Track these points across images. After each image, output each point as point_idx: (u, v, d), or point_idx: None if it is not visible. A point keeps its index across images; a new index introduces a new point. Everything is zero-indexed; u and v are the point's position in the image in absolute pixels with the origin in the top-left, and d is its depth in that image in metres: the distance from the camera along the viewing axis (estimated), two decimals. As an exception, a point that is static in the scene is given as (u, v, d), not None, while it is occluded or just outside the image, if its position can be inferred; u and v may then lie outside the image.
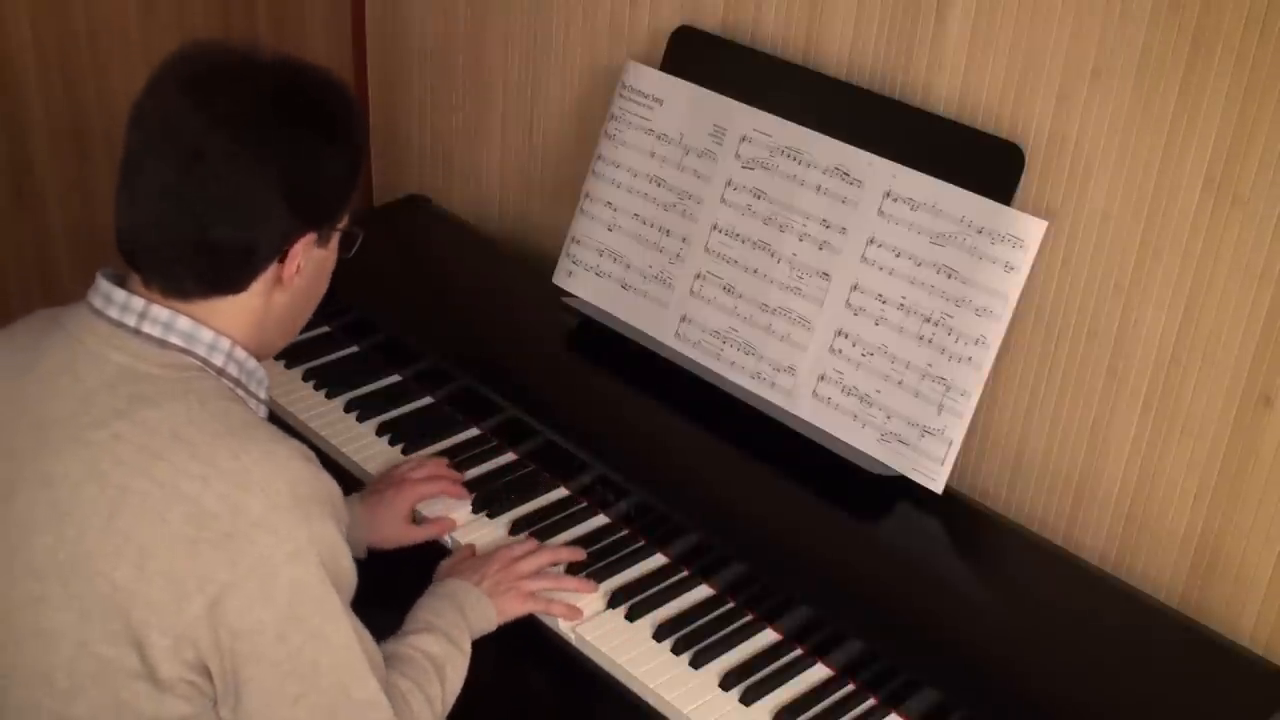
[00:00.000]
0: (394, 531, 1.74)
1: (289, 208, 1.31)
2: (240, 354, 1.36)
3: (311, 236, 1.35)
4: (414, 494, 1.76)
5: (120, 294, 1.32)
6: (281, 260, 1.34)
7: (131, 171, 1.31)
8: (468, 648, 1.53)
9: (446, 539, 1.75)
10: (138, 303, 1.31)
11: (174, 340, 1.31)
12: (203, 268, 1.31)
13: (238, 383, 1.36)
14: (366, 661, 1.32)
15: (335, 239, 1.42)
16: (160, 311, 1.31)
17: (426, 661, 1.46)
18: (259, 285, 1.34)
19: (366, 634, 1.34)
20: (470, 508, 1.78)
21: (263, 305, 1.36)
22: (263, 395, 1.41)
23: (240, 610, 1.23)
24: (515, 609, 1.61)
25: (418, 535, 1.75)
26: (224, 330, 1.34)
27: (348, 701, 1.30)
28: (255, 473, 1.25)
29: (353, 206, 1.43)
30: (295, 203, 1.31)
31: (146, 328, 1.31)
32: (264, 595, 1.24)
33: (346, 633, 1.30)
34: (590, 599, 1.64)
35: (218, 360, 1.34)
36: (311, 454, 1.33)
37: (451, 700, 1.48)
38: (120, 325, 1.31)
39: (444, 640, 1.50)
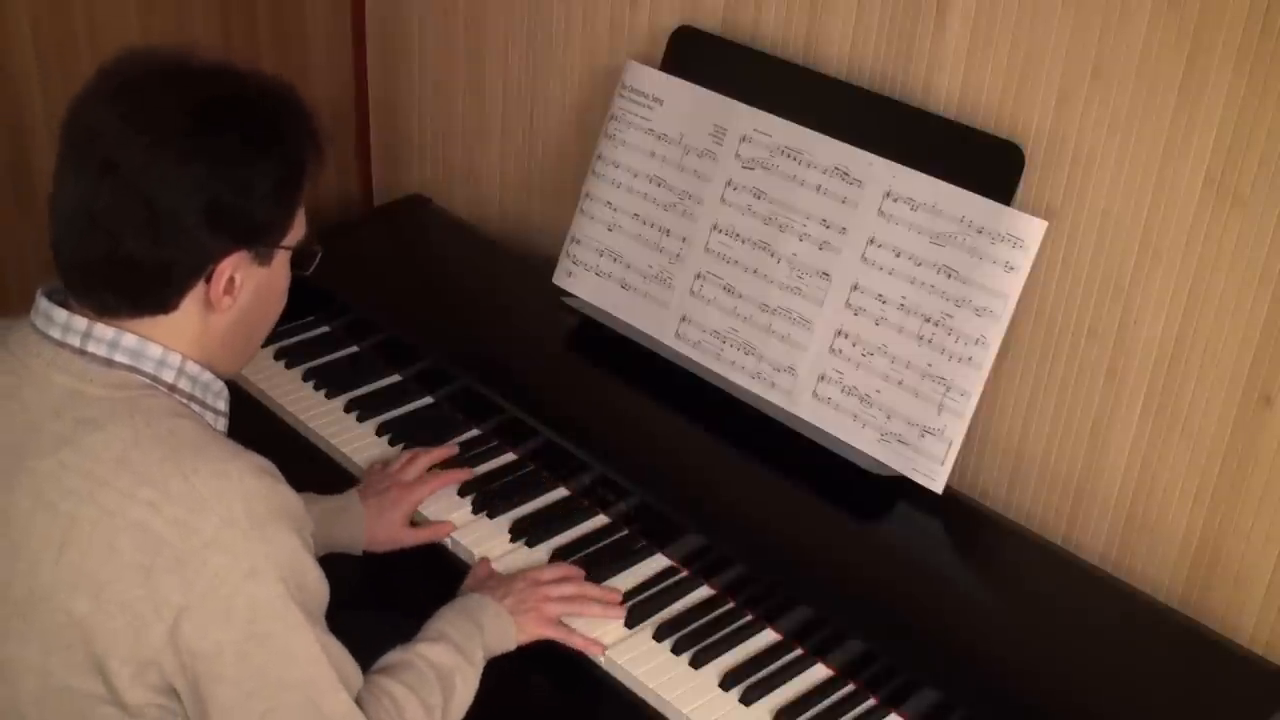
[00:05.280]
0: (391, 535, 1.73)
1: (208, 225, 1.25)
2: (192, 368, 1.31)
3: (243, 255, 1.29)
4: (413, 499, 1.75)
5: (61, 314, 1.28)
6: (207, 280, 1.28)
7: (56, 181, 1.27)
8: (480, 661, 1.50)
9: (447, 541, 1.75)
10: (80, 322, 1.28)
11: (120, 358, 1.27)
12: (120, 284, 1.26)
13: (192, 398, 1.32)
14: (335, 675, 1.28)
15: (281, 257, 1.34)
16: (105, 330, 1.27)
17: (430, 670, 1.44)
18: (190, 305, 1.29)
19: (338, 646, 1.31)
20: (470, 508, 1.78)
21: (199, 327, 1.31)
22: (222, 407, 1.36)
23: (197, 633, 1.20)
24: (536, 630, 1.57)
25: (416, 538, 1.74)
26: (171, 346, 1.29)
27: (318, 715, 1.27)
28: (206, 493, 1.21)
29: (305, 220, 1.36)
30: (216, 220, 1.25)
31: (91, 347, 1.27)
32: (221, 617, 1.21)
33: (312, 647, 1.26)
34: (613, 625, 1.61)
35: (168, 377, 1.29)
36: (269, 466, 1.29)
37: (458, 712, 1.46)
38: (64, 345, 1.27)
39: (453, 651, 1.47)
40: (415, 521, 1.76)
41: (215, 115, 1.26)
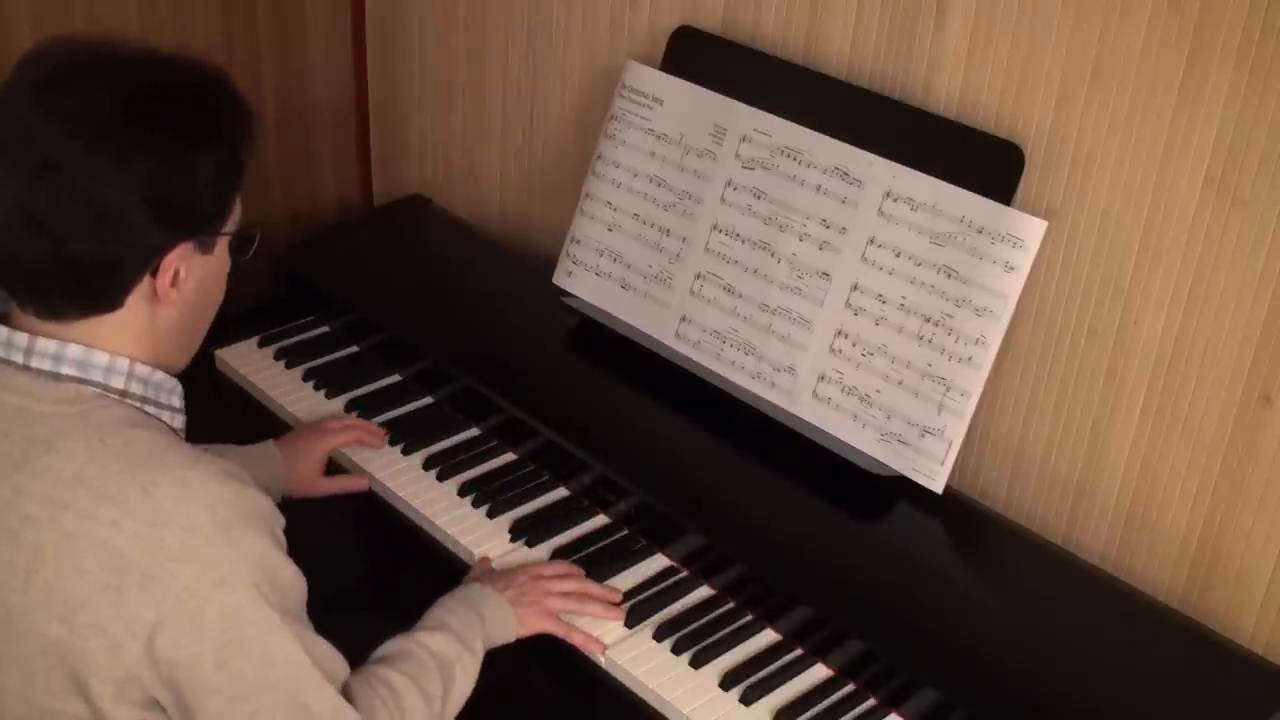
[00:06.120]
0: (306, 481, 1.77)
1: (155, 219, 1.23)
2: (142, 370, 1.28)
3: (188, 246, 1.27)
4: (329, 443, 1.79)
5: (1, 331, 1.26)
6: (153, 274, 1.26)
7: None
8: (480, 651, 1.50)
9: (447, 542, 1.74)
10: (20, 338, 1.25)
11: (67, 370, 1.25)
12: (65, 284, 1.23)
13: (145, 400, 1.29)
14: (319, 672, 1.27)
15: (222, 244, 1.32)
16: (47, 344, 1.25)
17: (430, 659, 1.44)
18: (136, 301, 1.26)
19: (321, 643, 1.30)
20: (469, 507, 1.78)
21: (147, 322, 1.28)
22: (177, 404, 1.33)
23: (173, 646, 1.19)
24: (537, 624, 1.58)
25: (327, 487, 1.79)
26: (118, 350, 1.27)
27: (306, 713, 1.26)
28: (167, 504, 1.19)
29: (242, 206, 1.34)
30: (162, 214, 1.23)
31: (36, 363, 1.25)
32: (194, 628, 1.20)
33: (291, 647, 1.25)
34: (613, 625, 1.62)
35: (118, 383, 1.27)
36: (233, 469, 1.27)
37: (458, 702, 1.46)
38: (8, 363, 1.25)
39: (454, 640, 1.47)
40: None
41: (152, 107, 1.23)
